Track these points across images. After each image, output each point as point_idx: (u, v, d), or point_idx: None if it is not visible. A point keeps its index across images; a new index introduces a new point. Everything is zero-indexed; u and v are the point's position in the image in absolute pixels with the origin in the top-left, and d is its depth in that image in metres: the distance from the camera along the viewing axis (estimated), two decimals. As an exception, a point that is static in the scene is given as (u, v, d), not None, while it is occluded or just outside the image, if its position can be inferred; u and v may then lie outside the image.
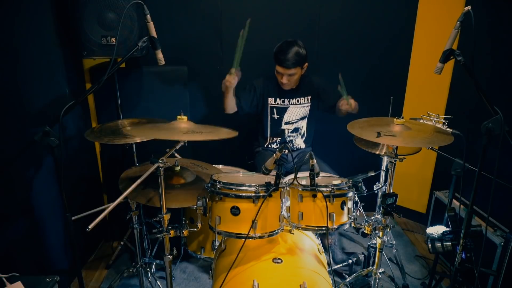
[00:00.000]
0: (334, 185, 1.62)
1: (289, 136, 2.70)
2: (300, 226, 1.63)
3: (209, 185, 1.62)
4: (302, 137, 2.73)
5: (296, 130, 2.70)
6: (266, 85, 2.60)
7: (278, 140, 2.71)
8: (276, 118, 2.63)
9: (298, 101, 2.62)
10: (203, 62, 2.90)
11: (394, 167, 2.00)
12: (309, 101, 2.64)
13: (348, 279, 2.26)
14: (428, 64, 2.64)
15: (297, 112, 2.64)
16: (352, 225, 1.74)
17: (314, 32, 2.91)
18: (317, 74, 2.74)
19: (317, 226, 1.62)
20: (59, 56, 2.21)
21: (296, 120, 2.67)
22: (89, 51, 2.10)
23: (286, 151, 1.57)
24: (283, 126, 2.66)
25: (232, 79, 2.37)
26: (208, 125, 1.72)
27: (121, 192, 1.51)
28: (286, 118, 2.64)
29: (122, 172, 1.94)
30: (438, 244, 1.81)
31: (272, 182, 1.54)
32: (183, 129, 1.62)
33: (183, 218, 2.46)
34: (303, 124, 2.70)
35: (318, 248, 1.84)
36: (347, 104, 2.32)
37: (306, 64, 2.47)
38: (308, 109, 2.66)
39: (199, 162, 2.10)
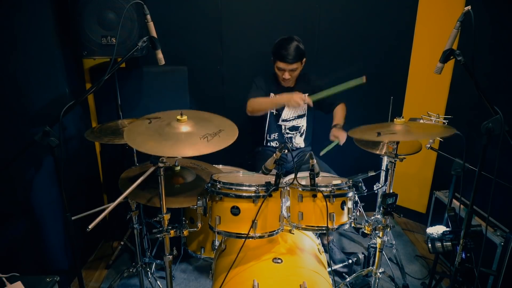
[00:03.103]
0: (334, 185, 1.62)
1: (287, 133, 2.70)
2: (300, 226, 1.63)
3: (209, 185, 1.62)
4: (301, 136, 2.74)
5: (295, 128, 2.70)
6: (267, 82, 2.60)
7: (276, 135, 2.70)
8: (274, 113, 2.65)
9: None
10: (203, 62, 2.90)
11: (394, 167, 2.00)
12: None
13: (348, 279, 2.26)
14: (428, 64, 2.65)
15: (294, 109, 2.64)
16: (352, 225, 1.74)
17: (314, 32, 2.91)
18: (317, 74, 2.74)
19: (317, 226, 1.62)
20: (59, 56, 2.21)
21: (293, 118, 2.67)
22: (89, 51, 2.10)
23: (286, 151, 1.57)
24: (280, 122, 2.67)
25: (302, 101, 2.32)
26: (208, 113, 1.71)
27: (121, 192, 1.51)
28: (284, 115, 2.65)
29: (122, 172, 1.94)
30: (438, 244, 1.81)
31: (272, 182, 1.54)
32: (185, 134, 1.55)
33: (183, 218, 2.45)
34: (303, 123, 2.70)
35: (318, 248, 1.84)
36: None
37: (305, 59, 2.48)
38: (305, 106, 2.66)
39: (199, 162, 2.10)
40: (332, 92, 2.33)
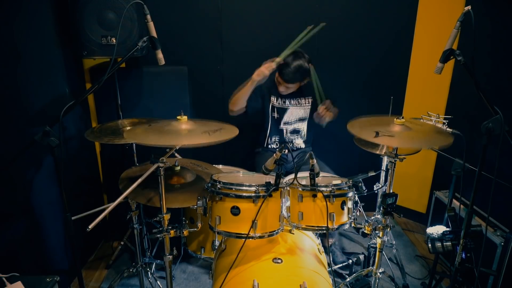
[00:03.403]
0: (334, 185, 1.62)
1: (288, 138, 2.70)
2: (300, 226, 1.63)
3: (209, 185, 1.62)
4: (302, 138, 2.74)
5: (296, 132, 2.70)
6: (269, 84, 2.59)
7: (277, 138, 2.70)
8: (276, 117, 2.64)
9: (298, 102, 2.62)
10: (203, 62, 2.90)
11: (394, 167, 2.00)
12: (310, 102, 2.64)
13: (348, 279, 2.26)
14: (428, 64, 2.65)
15: (296, 113, 2.64)
16: (352, 225, 1.74)
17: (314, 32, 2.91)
18: (317, 73, 2.74)
19: (317, 226, 1.62)
20: (59, 56, 2.21)
21: (295, 121, 2.66)
22: (89, 51, 2.10)
23: (286, 151, 1.57)
24: (281, 126, 2.66)
25: (270, 67, 2.27)
26: (208, 121, 1.73)
27: (121, 192, 1.51)
28: (285, 118, 2.64)
29: (122, 172, 1.94)
30: (438, 244, 1.81)
31: (272, 182, 1.54)
32: (184, 131, 1.60)
33: (183, 218, 2.46)
34: (303, 127, 2.70)
35: (318, 248, 1.84)
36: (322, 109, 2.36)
37: (308, 78, 2.46)
38: (308, 110, 2.66)
39: (199, 162, 2.10)
40: (296, 43, 2.25)
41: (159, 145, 1.47)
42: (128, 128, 2.19)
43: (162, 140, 1.49)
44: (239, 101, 2.46)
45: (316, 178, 1.61)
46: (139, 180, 1.48)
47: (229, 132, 1.61)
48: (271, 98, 2.60)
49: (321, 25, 2.24)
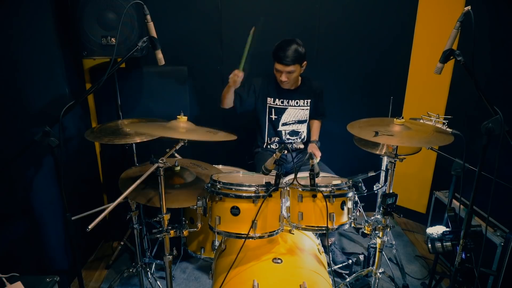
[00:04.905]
0: (334, 185, 1.62)
1: (288, 139, 2.69)
2: (300, 226, 1.63)
3: (209, 185, 1.62)
4: (301, 141, 2.74)
5: (295, 133, 2.69)
6: (265, 85, 2.59)
7: (276, 140, 2.70)
8: (273, 118, 2.63)
9: (297, 102, 2.61)
10: (203, 62, 2.89)
11: (394, 167, 2.00)
12: (308, 104, 2.63)
13: (348, 279, 2.26)
14: (428, 64, 2.65)
15: (295, 113, 2.63)
16: (352, 225, 1.74)
17: (314, 32, 2.91)
18: (317, 74, 2.74)
19: (317, 226, 1.62)
20: (59, 56, 2.21)
21: (293, 122, 2.66)
22: (89, 51, 2.10)
23: (286, 151, 1.58)
24: (280, 127, 2.65)
25: (240, 74, 2.37)
26: (207, 128, 1.73)
27: (121, 192, 1.51)
28: (284, 119, 2.63)
29: (122, 172, 1.94)
30: (438, 244, 1.81)
31: (272, 182, 1.54)
32: (183, 129, 1.62)
33: (183, 218, 2.46)
34: (303, 129, 2.70)
35: (318, 248, 1.84)
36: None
37: (305, 62, 2.47)
38: (307, 112, 2.65)
39: (199, 162, 2.10)
40: (246, 53, 2.32)
41: (166, 136, 1.48)
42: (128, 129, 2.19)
43: (168, 133, 1.51)
44: (224, 101, 2.54)
45: (316, 178, 1.61)
46: (139, 180, 1.48)
47: (229, 135, 1.64)
48: (268, 99, 2.59)
49: (261, 20, 2.34)
